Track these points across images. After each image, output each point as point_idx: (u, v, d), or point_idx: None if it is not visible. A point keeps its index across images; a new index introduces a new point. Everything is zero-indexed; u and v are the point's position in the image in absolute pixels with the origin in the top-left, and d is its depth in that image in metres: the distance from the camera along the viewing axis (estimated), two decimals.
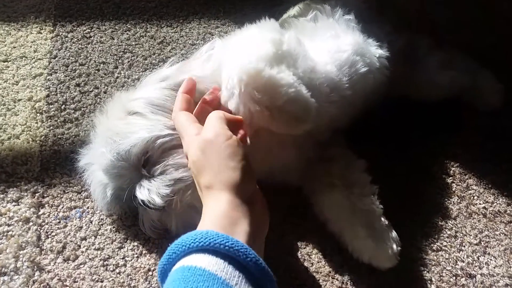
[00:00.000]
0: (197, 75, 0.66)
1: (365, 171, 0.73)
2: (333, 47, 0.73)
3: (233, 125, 0.59)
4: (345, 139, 0.79)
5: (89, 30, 0.98)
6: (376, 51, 0.77)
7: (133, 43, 0.97)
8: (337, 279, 0.68)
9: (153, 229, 0.67)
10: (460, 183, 0.83)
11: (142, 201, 0.62)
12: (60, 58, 0.92)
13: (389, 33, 0.82)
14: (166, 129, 0.63)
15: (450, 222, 0.78)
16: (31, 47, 0.93)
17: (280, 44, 0.64)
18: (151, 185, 0.62)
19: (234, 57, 0.63)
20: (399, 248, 0.67)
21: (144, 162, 0.63)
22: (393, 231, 0.69)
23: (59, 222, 0.71)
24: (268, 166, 0.72)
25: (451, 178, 0.84)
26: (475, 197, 0.82)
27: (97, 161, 0.66)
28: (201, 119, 0.61)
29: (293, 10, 0.89)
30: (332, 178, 0.72)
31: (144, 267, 0.67)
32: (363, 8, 0.83)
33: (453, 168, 0.85)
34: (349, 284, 0.68)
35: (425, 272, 0.71)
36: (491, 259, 0.74)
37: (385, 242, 0.67)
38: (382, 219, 0.69)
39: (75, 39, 0.96)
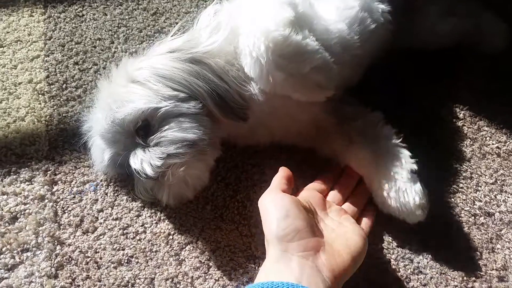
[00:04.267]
0: (208, 48, 0.65)
1: (385, 122, 0.72)
2: (341, 4, 0.70)
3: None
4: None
5: (81, 9, 0.96)
6: (379, 6, 0.75)
7: (127, 17, 0.95)
8: None
9: (146, 196, 0.67)
10: (471, 126, 0.82)
11: (135, 169, 0.62)
12: (55, 38, 0.90)
13: None
14: (163, 101, 0.61)
15: (465, 164, 0.77)
16: (24, 30, 0.91)
17: (296, 7, 0.63)
18: (144, 155, 0.61)
19: (251, 22, 0.61)
20: (422, 201, 0.64)
21: (141, 131, 0.62)
22: (418, 184, 0.65)
23: (74, 197, 0.70)
24: (285, 129, 0.72)
25: (461, 121, 0.83)
26: (488, 138, 0.81)
27: (95, 126, 0.66)
28: None
29: None
30: (352, 136, 0.71)
31: (164, 231, 0.67)
32: None
33: (462, 112, 0.84)
34: None
35: (444, 215, 0.71)
36: (508, 197, 0.74)
37: (408, 196, 0.64)
38: (405, 172, 0.65)
39: (68, 19, 0.94)
